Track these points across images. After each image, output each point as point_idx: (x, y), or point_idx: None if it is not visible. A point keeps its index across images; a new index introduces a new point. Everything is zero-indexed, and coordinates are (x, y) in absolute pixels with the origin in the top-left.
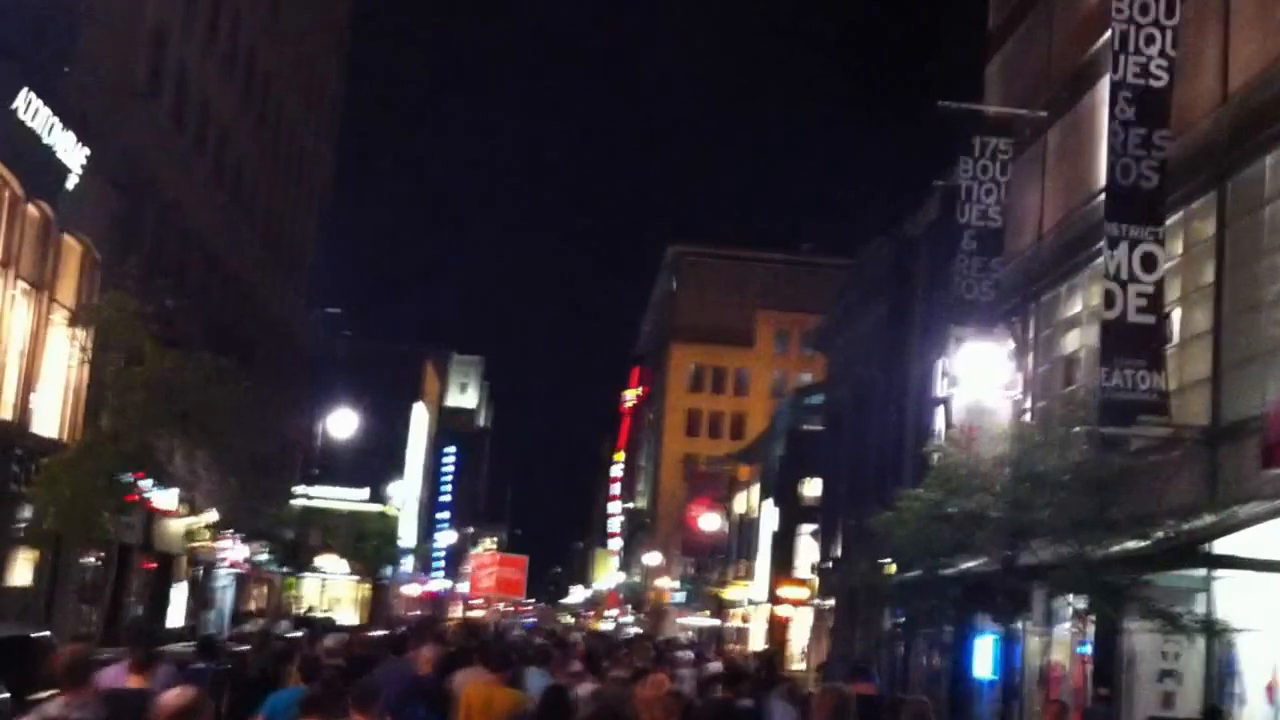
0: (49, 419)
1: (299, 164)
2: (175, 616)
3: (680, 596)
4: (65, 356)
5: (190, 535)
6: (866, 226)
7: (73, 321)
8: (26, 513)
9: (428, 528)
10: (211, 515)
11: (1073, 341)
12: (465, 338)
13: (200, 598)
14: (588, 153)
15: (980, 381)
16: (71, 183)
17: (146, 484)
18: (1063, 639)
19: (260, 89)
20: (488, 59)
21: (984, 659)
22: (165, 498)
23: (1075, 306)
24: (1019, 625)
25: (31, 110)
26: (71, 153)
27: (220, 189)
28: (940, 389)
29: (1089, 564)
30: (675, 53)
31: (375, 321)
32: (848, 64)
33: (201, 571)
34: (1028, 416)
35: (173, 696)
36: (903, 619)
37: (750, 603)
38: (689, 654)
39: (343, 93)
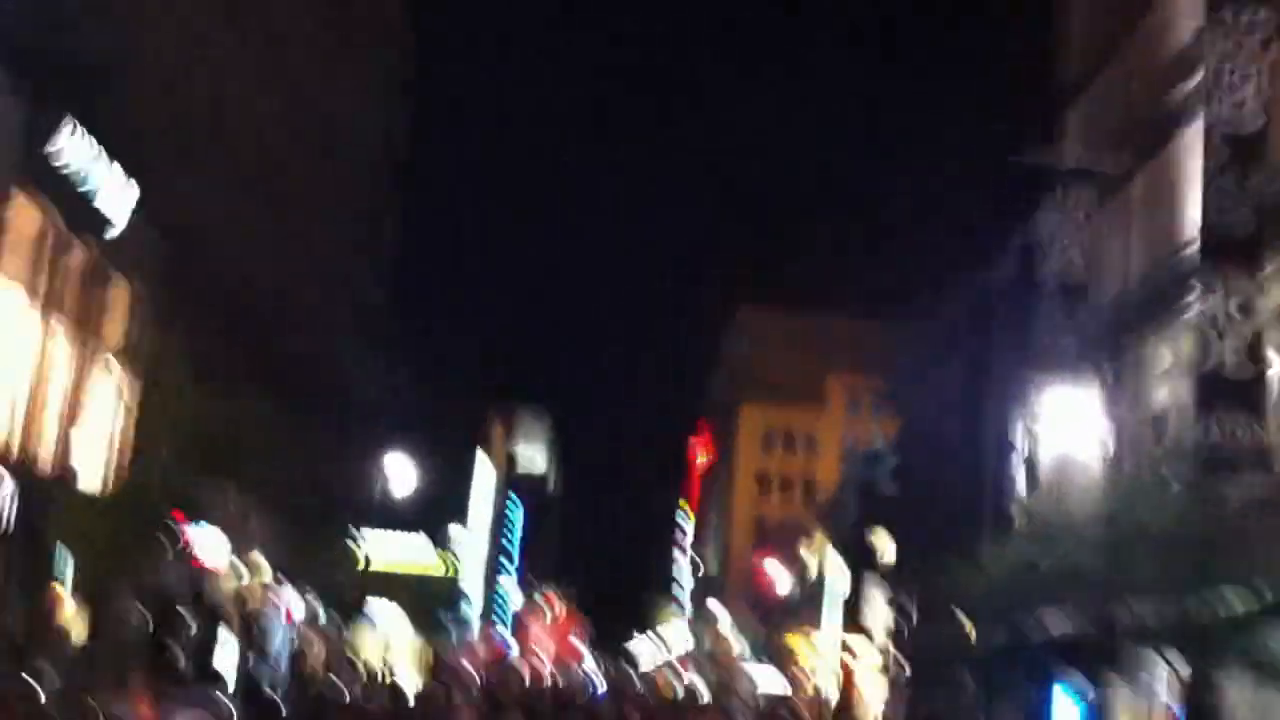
0: (93, 469)
1: (364, 214)
2: (226, 669)
3: (749, 655)
4: (108, 402)
5: (241, 590)
6: (943, 282)
7: (111, 361)
8: (69, 569)
9: (492, 584)
10: (265, 570)
11: (1162, 397)
12: (532, 393)
13: (256, 652)
14: (655, 209)
15: (1068, 432)
16: (119, 222)
17: (190, 528)
18: (1153, 703)
19: (321, 134)
20: (554, 110)
21: None
22: (211, 545)
23: (1164, 360)
24: (1102, 690)
25: (76, 144)
26: (119, 192)
27: (278, 237)
28: (1020, 444)
29: (1194, 623)
30: (745, 109)
31: (441, 377)
32: (917, 118)
33: (255, 628)
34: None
35: None
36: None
37: (819, 664)
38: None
39: (407, 142)
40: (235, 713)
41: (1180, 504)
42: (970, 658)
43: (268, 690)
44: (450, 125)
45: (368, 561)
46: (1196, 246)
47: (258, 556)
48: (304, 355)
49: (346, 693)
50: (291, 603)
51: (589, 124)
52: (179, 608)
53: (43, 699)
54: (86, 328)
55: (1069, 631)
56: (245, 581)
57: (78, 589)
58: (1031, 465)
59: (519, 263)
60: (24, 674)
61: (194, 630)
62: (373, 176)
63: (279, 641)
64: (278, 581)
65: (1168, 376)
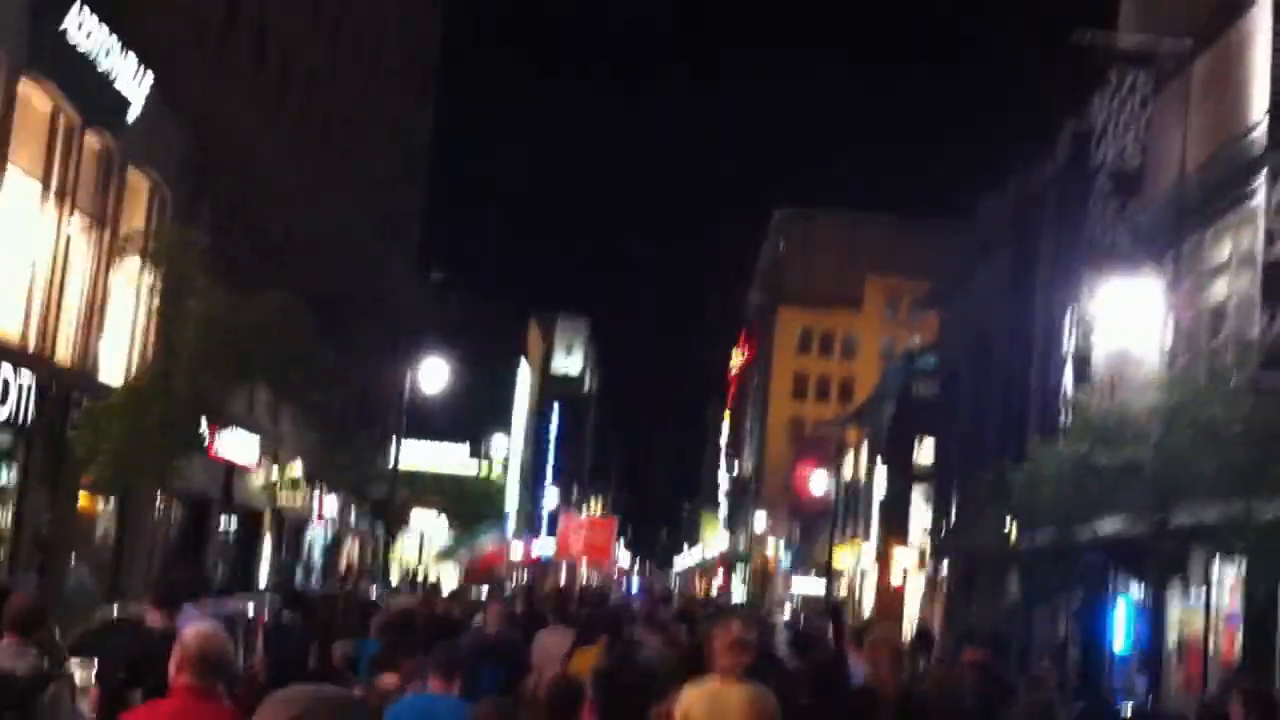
0: (115, 366)
1: (394, 118)
2: (262, 574)
3: (787, 561)
4: (129, 298)
5: (274, 489)
6: (985, 180)
7: (125, 250)
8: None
9: (532, 491)
10: (296, 469)
11: (1220, 290)
12: (570, 300)
13: (292, 555)
14: (694, 114)
15: (1123, 327)
16: (134, 114)
17: (218, 428)
18: (1210, 607)
19: (350, 36)
20: (594, 12)
21: (1119, 629)
22: (240, 445)
23: (1223, 252)
24: (1157, 593)
25: (85, 30)
26: (134, 80)
27: (305, 137)
28: (1069, 341)
29: (1254, 524)
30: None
31: (479, 285)
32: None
33: (289, 529)
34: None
35: (194, 633)
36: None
37: (859, 569)
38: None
39: (439, 46)
40: (270, 615)
41: (1240, 400)
42: (1015, 561)
43: (302, 590)
44: (485, 32)
45: (396, 469)
46: (1261, 132)
47: (290, 458)
48: (335, 258)
49: (380, 593)
50: (325, 504)
51: (627, 35)
52: (210, 508)
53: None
54: (104, 220)
55: (1122, 533)
56: (277, 483)
57: (103, 488)
58: (1082, 362)
59: (557, 171)
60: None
61: (226, 530)
62: (406, 81)
63: (312, 542)
64: (311, 484)
65: (1227, 269)
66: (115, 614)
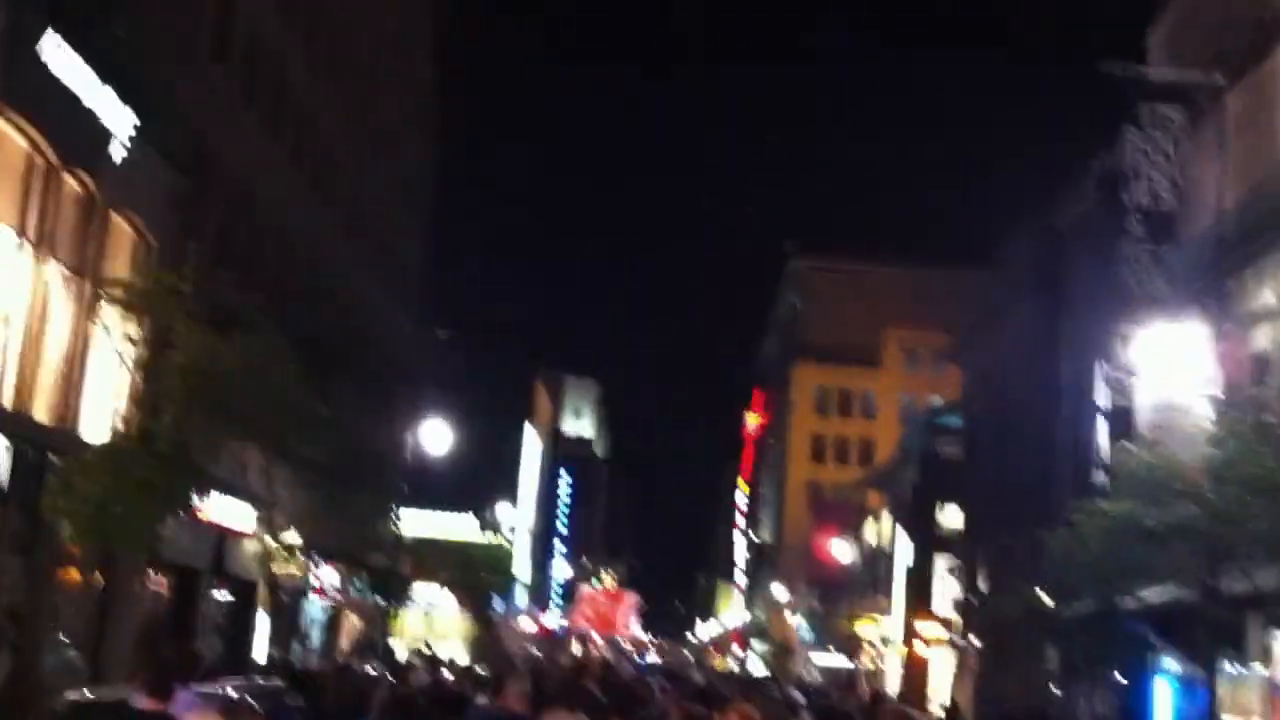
0: (97, 424)
1: (396, 159)
2: (259, 650)
3: (807, 634)
4: (111, 351)
5: (269, 558)
6: (1006, 225)
7: (107, 299)
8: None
9: (541, 560)
10: (293, 536)
11: (1264, 337)
12: (579, 361)
13: (288, 629)
14: (703, 162)
15: (1163, 377)
16: (117, 153)
17: (208, 492)
18: (1264, 680)
19: (348, 75)
20: (597, 59)
21: (1163, 706)
22: (233, 513)
23: (1266, 296)
24: (1207, 665)
25: (62, 62)
26: (116, 116)
27: (301, 176)
28: (1102, 395)
29: None
30: (792, 50)
31: (485, 344)
32: (978, 48)
33: (286, 602)
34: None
35: None
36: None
37: (884, 641)
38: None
39: (439, 86)
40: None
41: None
42: (1052, 631)
43: (304, 669)
44: (490, 82)
45: (405, 538)
46: None
47: (285, 524)
48: (333, 306)
49: (385, 673)
50: (324, 576)
51: (636, 79)
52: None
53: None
54: (85, 269)
55: (1167, 600)
56: (272, 551)
57: (84, 558)
58: (1120, 416)
59: (564, 230)
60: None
61: (217, 603)
62: (409, 131)
63: (310, 616)
64: (309, 553)
65: (1269, 315)
66: (90, 695)
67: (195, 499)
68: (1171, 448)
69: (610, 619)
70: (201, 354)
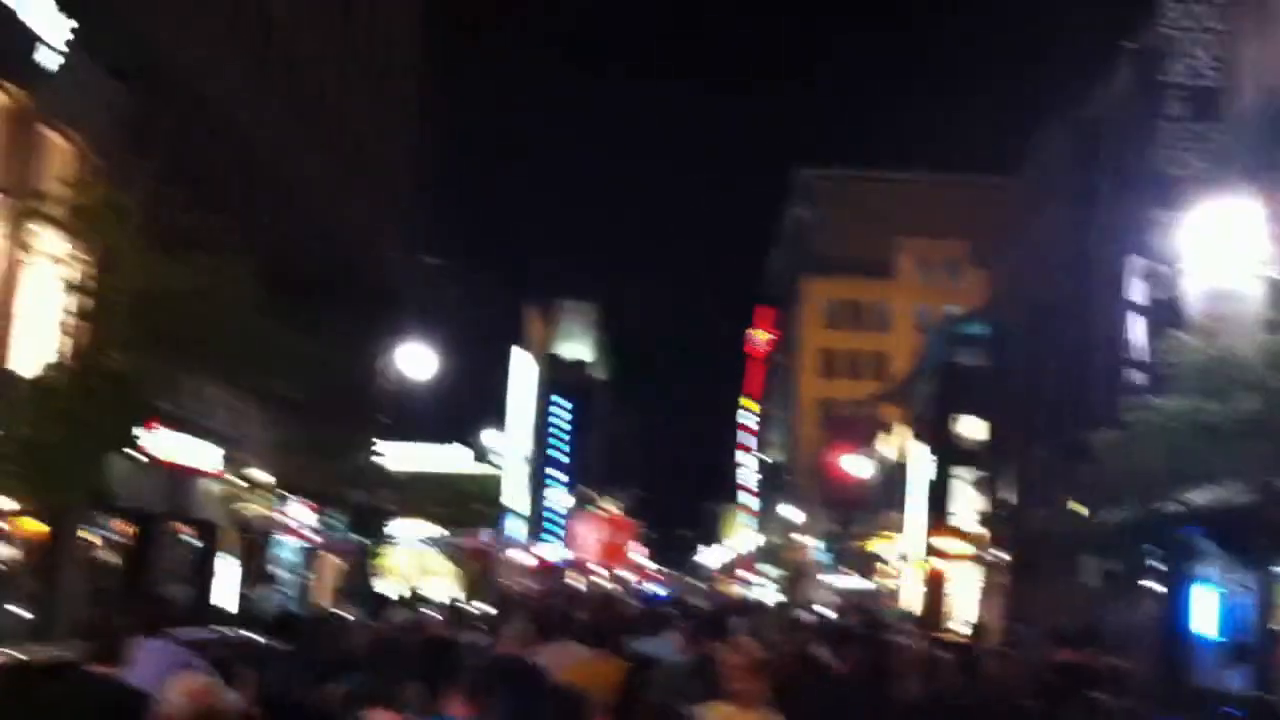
0: (34, 358)
1: (382, 79)
2: (226, 597)
3: (823, 556)
4: (50, 278)
5: (234, 499)
6: (1032, 125)
7: (39, 220)
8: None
9: (538, 489)
10: (260, 474)
11: None
12: (578, 284)
13: (260, 574)
14: (708, 69)
15: (1218, 259)
16: (52, 62)
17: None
18: None
19: None
20: None
21: (1207, 615)
22: (195, 452)
23: None
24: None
25: None
26: (48, 21)
27: (270, 90)
28: (1138, 290)
29: None
30: None
31: (477, 271)
32: None
33: (254, 545)
34: None
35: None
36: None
37: (902, 559)
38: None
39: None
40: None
41: None
42: (1091, 542)
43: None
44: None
45: (385, 471)
46: None
47: (253, 462)
48: (310, 230)
49: (364, 617)
50: (301, 518)
51: None
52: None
53: None
54: (15, 187)
55: (1221, 502)
56: (242, 493)
57: (30, 505)
58: (1161, 311)
59: (555, 137)
60: None
61: (177, 549)
62: (395, 51)
63: (286, 561)
64: (283, 494)
65: None
66: (32, 655)
67: (144, 437)
68: (1229, 338)
69: (613, 548)
70: (147, 276)
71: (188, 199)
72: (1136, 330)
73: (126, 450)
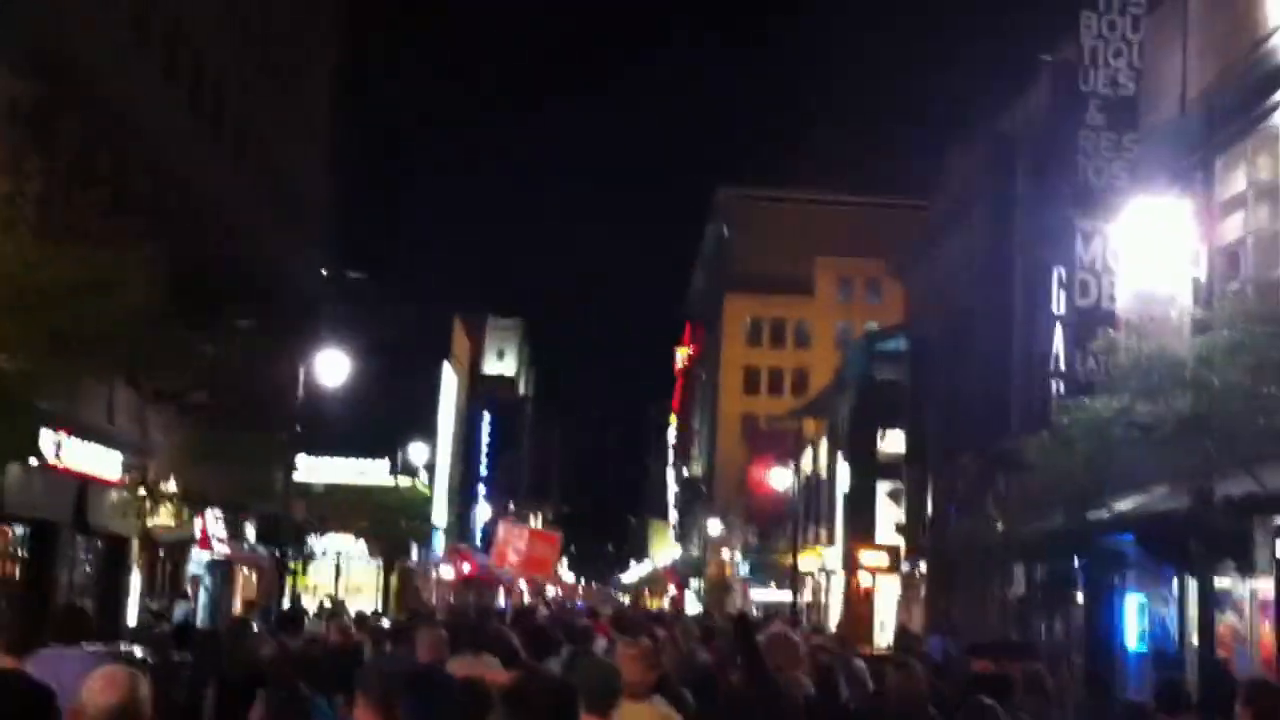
0: None
1: (295, 93)
2: (131, 611)
3: (745, 569)
4: None
5: (141, 509)
6: (949, 143)
7: None
8: None
9: (464, 505)
10: (171, 485)
11: (1233, 228)
12: (502, 301)
13: (170, 587)
14: (628, 91)
15: (1144, 262)
16: None
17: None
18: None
19: None
20: None
21: (1131, 625)
22: (95, 456)
23: (1238, 184)
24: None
25: None
26: None
27: (176, 97)
28: (1058, 301)
29: None
30: None
31: (402, 286)
32: None
33: (166, 558)
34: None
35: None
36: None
37: (824, 572)
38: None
39: (342, 14)
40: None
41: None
42: (1017, 552)
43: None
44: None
45: (304, 486)
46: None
47: (162, 472)
48: (219, 235)
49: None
50: (210, 527)
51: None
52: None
53: None
54: None
55: (1155, 508)
56: (149, 503)
57: None
58: (1088, 318)
59: (480, 157)
60: None
61: (80, 560)
62: (309, 64)
63: (197, 574)
64: (190, 502)
65: (1242, 203)
66: None
67: (45, 444)
68: (1158, 339)
69: (536, 561)
70: (27, 267)
71: (90, 199)
72: (1058, 338)
73: (23, 457)
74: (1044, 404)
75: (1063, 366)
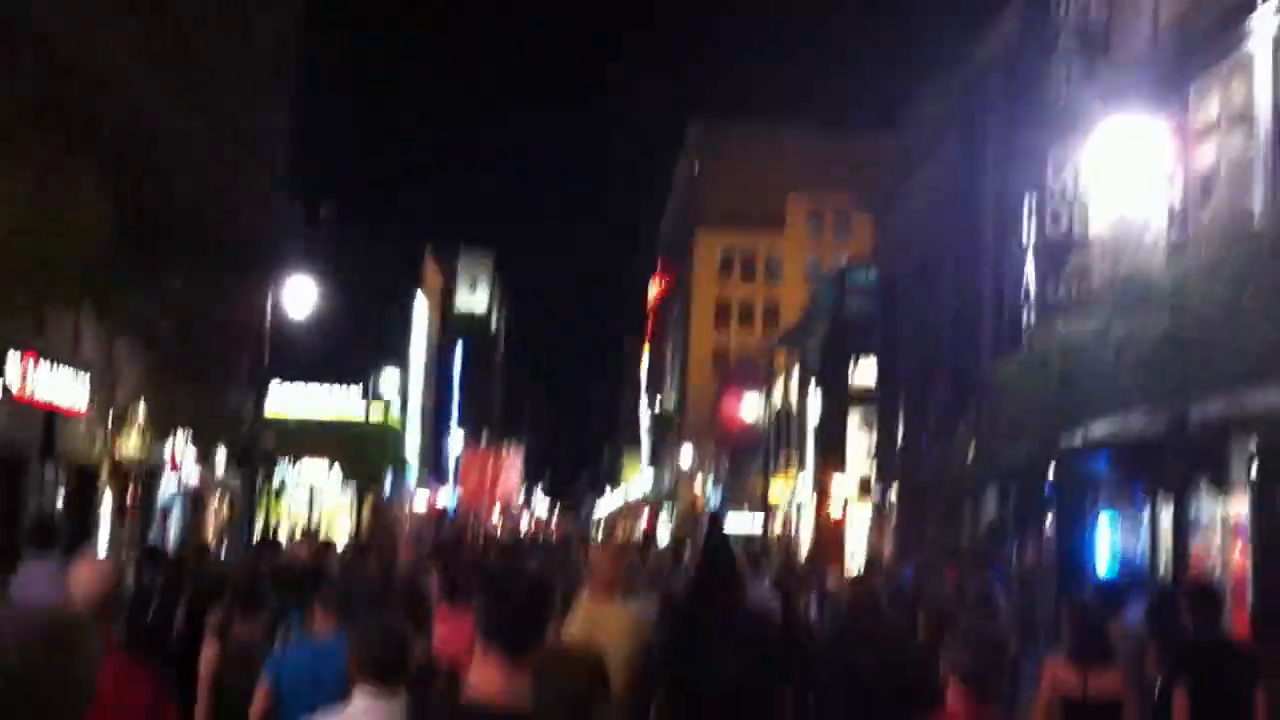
0: None
1: (254, 18)
2: (103, 537)
3: (716, 498)
4: None
5: (110, 437)
6: (920, 76)
7: None
8: None
9: (435, 437)
10: (139, 413)
11: (1207, 155)
12: (474, 235)
13: (141, 514)
14: (601, 21)
15: (1118, 184)
16: None
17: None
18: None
19: None
20: None
21: (1103, 550)
22: (60, 384)
23: (1210, 111)
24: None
25: None
26: None
27: (123, 25)
28: (1029, 229)
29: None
30: None
31: (374, 221)
32: None
33: (137, 486)
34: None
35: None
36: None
37: (796, 506)
38: None
39: None
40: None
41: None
42: (991, 478)
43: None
44: None
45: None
46: None
47: (130, 399)
48: (180, 170)
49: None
50: (180, 453)
51: None
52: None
53: None
54: None
55: (1129, 431)
56: (113, 429)
57: None
58: (1060, 245)
59: (450, 91)
60: None
61: (49, 491)
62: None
63: (169, 501)
64: (161, 431)
65: (1215, 130)
66: None
67: (9, 372)
68: (1136, 259)
69: (506, 490)
70: (23, 215)
71: (43, 135)
72: (1030, 265)
73: None
74: (1015, 330)
75: (1034, 292)
